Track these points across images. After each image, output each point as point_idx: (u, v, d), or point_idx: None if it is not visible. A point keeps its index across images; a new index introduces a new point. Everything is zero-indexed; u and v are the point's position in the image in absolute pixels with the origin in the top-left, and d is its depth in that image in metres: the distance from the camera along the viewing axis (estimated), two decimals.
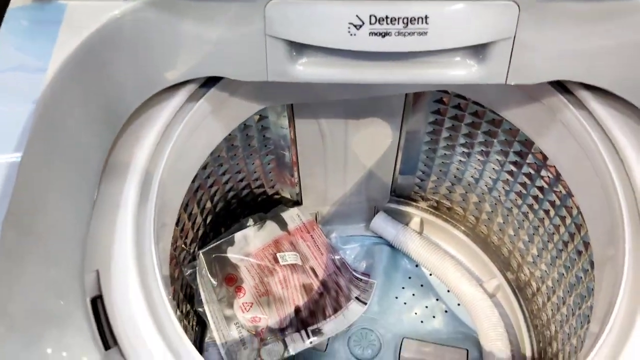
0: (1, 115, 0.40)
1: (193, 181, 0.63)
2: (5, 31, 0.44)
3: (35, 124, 0.39)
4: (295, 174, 0.84)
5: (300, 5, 0.45)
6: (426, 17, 0.44)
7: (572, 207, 0.61)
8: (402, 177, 0.87)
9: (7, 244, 0.35)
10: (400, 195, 0.91)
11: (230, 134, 0.63)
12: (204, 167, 0.67)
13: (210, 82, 0.54)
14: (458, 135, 0.72)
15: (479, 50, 0.47)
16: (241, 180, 0.79)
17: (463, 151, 0.75)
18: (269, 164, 0.79)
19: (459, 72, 0.48)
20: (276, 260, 0.80)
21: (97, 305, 0.42)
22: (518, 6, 0.44)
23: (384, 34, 0.45)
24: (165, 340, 0.41)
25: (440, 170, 0.81)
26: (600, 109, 0.50)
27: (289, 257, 0.81)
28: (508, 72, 0.48)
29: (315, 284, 0.83)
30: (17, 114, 0.39)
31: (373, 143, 0.79)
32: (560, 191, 0.62)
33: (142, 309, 0.42)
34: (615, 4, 0.45)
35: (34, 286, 0.37)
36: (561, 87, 0.53)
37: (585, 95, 0.51)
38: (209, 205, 0.74)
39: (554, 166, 0.60)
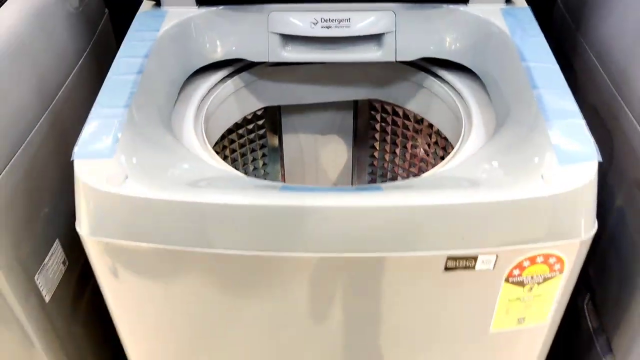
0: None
1: None
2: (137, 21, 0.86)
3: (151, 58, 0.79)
4: None
5: (286, 13, 0.89)
6: (349, 18, 0.88)
7: None
8: None
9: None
10: None
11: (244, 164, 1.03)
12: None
13: (234, 73, 0.96)
14: (387, 147, 1.12)
15: (378, 39, 0.90)
16: None
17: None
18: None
19: (368, 54, 0.90)
20: None
21: None
22: (394, 13, 0.88)
23: (328, 27, 0.88)
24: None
25: None
26: (453, 78, 0.91)
27: None
28: (396, 52, 0.90)
29: None
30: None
31: (335, 158, 1.18)
32: None
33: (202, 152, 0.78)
34: (445, 9, 0.89)
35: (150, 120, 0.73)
36: (430, 73, 0.95)
37: (444, 73, 0.93)
38: None
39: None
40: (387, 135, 1.13)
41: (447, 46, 0.90)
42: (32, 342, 0.80)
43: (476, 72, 0.87)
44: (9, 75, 0.73)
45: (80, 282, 0.92)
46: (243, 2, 0.88)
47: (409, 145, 1.09)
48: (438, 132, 1.00)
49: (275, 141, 1.13)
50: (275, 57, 0.91)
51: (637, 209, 0.76)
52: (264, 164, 1.16)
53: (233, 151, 1.07)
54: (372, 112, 1.12)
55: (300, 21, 0.89)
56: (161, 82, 0.79)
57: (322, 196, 0.59)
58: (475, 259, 0.61)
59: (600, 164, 0.61)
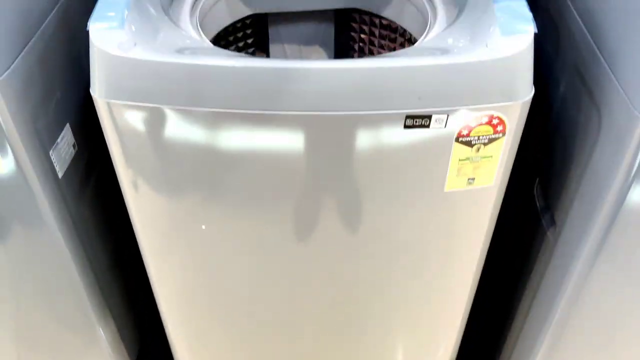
0: None
1: None
2: None
3: None
4: None
5: None
6: None
7: None
8: None
9: None
10: None
11: None
12: None
13: None
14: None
15: None
16: None
17: None
18: None
19: None
20: None
21: None
22: None
23: None
24: None
25: None
26: None
27: None
28: None
29: None
30: None
31: None
32: None
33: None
34: None
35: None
36: None
37: None
38: None
39: None
40: (365, 45, 1.23)
41: None
42: (45, 215, 0.91)
43: None
44: None
45: (88, 168, 1.03)
46: None
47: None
48: (410, 40, 1.10)
49: (263, 52, 1.23)
50: None
51: (576, 92, 0.87)
52: None
53: None
54: (352, 24, 1.21)
55: None
56: None
57: (299, 62, 0.70)
58: (429, 117, 0.73)
59: (547, 55, 0.72)
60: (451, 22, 0.85)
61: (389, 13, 1.11)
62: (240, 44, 1.19)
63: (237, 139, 0.76)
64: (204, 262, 0.98)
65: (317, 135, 0.75)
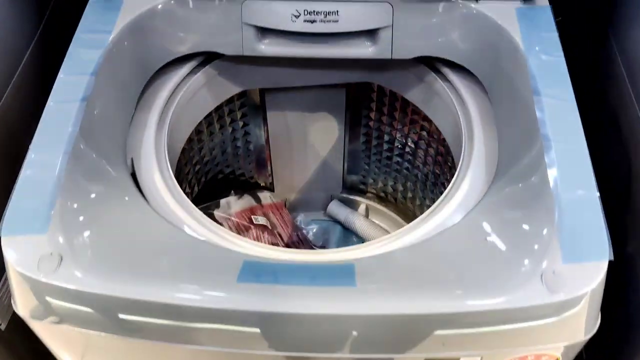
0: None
1: (190, 152, 0.90)
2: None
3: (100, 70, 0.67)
4: (269, 168, 1.12)
5: (262, 3, 0.75)
6: (337, 11, 0.74)
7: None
8: (349, 176, 1.15)
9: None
10: (350, 188, 1.19)
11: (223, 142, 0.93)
12: (200, 151, 0.95)
13: (205, 62, 0.83)
14: (384, 128, 1.01)
15: (372, 34, 0.77)
16: (228, 167, 1.07)
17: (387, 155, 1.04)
18: (248, 157, 1.08)
19: (360, 50, 0.78)
20: (251, 221, 1.06)
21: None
22: (392, 5, 0.74)
23: (312, 21, 0.75)
24: (173, 196, 0.66)
25: (375, 171, 1.10)
26: (455, 79, 0.79)
27: (260, 219, 1.07)
28: (392, 50, 0.77)
29: (282, 246, 1.08)
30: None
31: (326, 136, 1.07)
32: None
33: (160, 180, 0.68)
34: (450, 4, 0.74)
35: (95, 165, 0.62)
36: (432, 68, 0.82)
37: (446, 71, 0.80)
38: (201, 177, 1.01)
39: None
40: (384, 116, 1.01)
41: (450, 46, 0.77)
42: None
43: (481, 80, 0.75)
44: None
45: None
46: None
47: (406, 124, 0.99)
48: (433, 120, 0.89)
49: (259, 117, 1.02)
50: (250, 51, 0.79)
51: None
52: (247, 142, 1.06)
53: (211, 133, 0.97)
54: (368, 92, 1.00)
55: (279, 12, 0.75)
56: (113, 102, 0.68)
57: (285, 296, 0.51)
58: None
59: (616, 194, 0.52)
60: (493, 185, 0.64)
61: (412, 96, 0.89)
62: (232, 115, 0.98)
63: None
64: None
65: None
